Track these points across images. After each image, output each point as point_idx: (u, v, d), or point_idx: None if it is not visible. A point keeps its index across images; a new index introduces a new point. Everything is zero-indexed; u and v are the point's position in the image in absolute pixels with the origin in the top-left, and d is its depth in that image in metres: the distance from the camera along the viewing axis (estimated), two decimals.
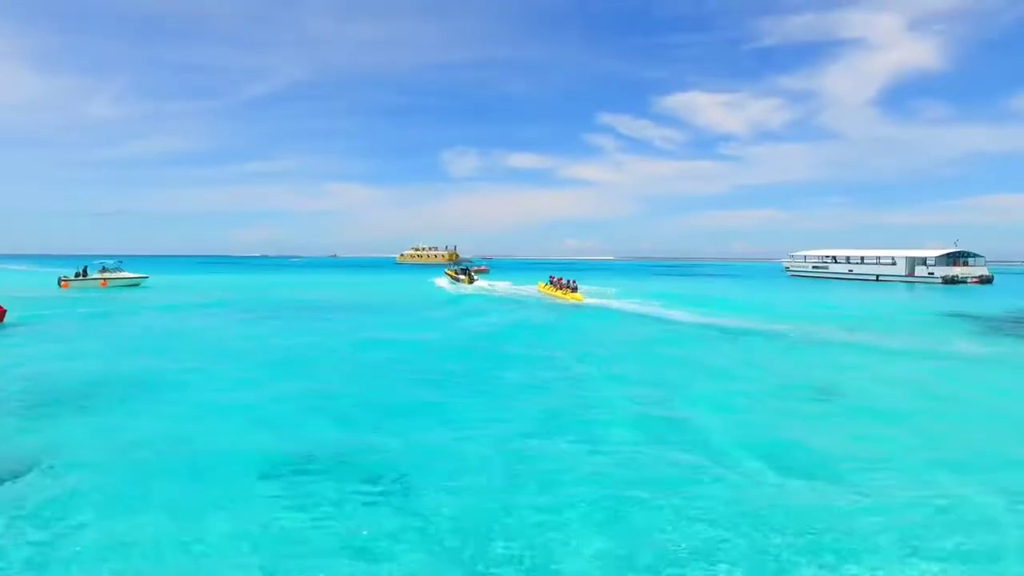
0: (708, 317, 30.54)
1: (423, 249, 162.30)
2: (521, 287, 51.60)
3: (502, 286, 54.23)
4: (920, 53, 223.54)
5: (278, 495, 7.70)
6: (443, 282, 59.02)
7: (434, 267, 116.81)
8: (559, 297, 40.61)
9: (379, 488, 7.97)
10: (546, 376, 15.71)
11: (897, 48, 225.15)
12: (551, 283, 44.47)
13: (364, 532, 6.71)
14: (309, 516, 7.08)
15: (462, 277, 58.05)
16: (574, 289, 40.68)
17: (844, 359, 18.79)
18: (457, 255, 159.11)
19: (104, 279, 47.15)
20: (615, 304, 37.33)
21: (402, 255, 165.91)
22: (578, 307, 35.80)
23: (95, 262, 49.72)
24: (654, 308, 35.01)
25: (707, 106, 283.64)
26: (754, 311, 34.34)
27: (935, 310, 36.26)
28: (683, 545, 6.47)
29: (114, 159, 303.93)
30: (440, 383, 14.76)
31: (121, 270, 48.97)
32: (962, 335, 24.80)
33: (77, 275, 47.60)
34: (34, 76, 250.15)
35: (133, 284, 48.32)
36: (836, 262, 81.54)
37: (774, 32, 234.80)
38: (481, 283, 56.68)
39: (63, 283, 46.76)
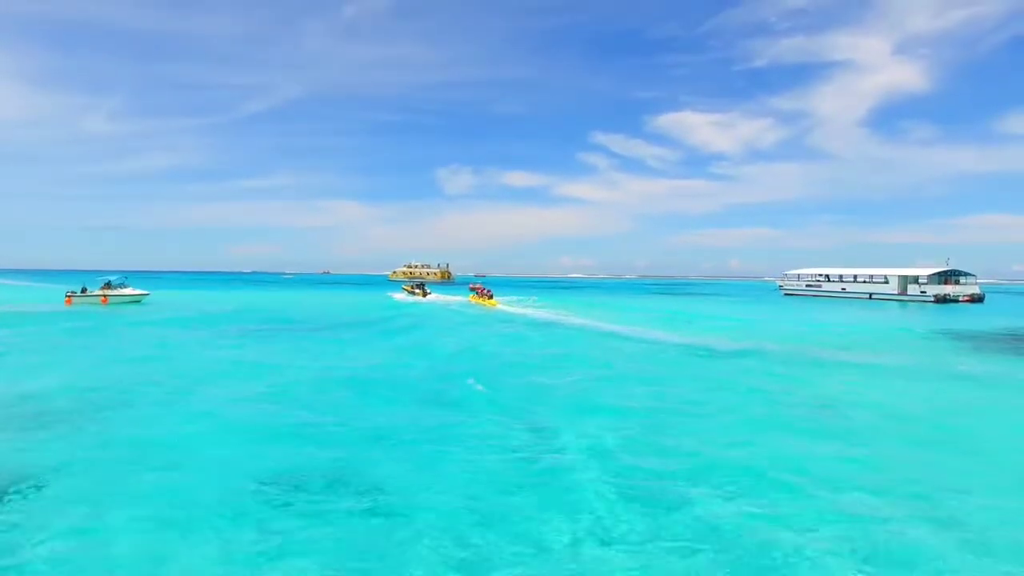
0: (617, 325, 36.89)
1: (415, 266, 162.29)
2: (455, 297, 65.85)
3: (443, 298, 66.71)
4: (907, 76, 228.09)
5: (263, 508, 7.82)
6: (401, 296, 69.21)
7: (427, 285, 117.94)
8: (480, 303, 53.13)
9: (362, 502, 8.11)
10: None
11: (885, 71, 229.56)
12: (475, 292, 57.75)
13: (350, 546, 6.82)
14: (294, 531, 7.14)
15: (417, 291, 69.10)
16: (490, 296, 54.79)
17: (834, 379, 18.72)
18: (449, 273, 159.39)
19: (105, 295, 46.92)
20: (519, 310, 49.56)
21: (394, 272, 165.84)
22: (491, 310, 49.16)
23: (99, 278, 49.68)
24: (551, 313, 46.44)
25: (699, 125, 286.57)
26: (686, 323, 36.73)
27: (929, 328, 36.88)
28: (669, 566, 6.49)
29: (110, 175, 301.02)
30: (388, 388, 16.50)
31: (126, 286, 48.78)
32: (956, 354, 25.23)
33: (84, 291, 47.44)
34: (31, 93, 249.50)
35: (134, 301, 47.99)
36: (829, 280, 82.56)
37: (765, 53, 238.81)
38: (432, 296, 68.38)
39: (68, 299, 46.66)
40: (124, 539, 6.86)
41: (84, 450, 10.21)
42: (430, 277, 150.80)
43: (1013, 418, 14.05)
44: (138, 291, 49.05)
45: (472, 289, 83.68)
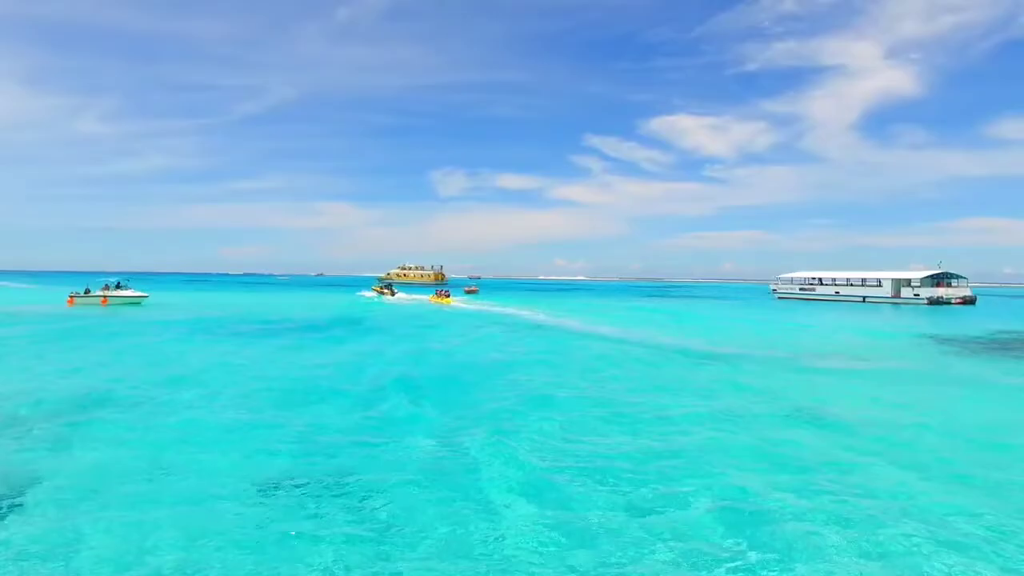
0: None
1: (409, 268, 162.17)
2: (419, 296, 73.14)
3: (408, 297, 74.42)
4: (898, 80, 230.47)
5: (259, 509, 7.92)
6: (371, 295, 77.47)
7: (420, 286, 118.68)
8: (438, 302, 61.80)
9: (361, 503, 8.23)
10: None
11: (876, 75, 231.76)
12: (436, 294, 66.67)
13: (345, 547, 6.88)
14: (289, 536, 7.17)
15: (386, 291, 77.24)
16: (447, 296, 64.70)
17: (821, 382, 18.61)
18: (443, 275, 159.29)
19: (105, 296, 47.02)
20: (470, 306, 58.44)
21: (388, 274, 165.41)
22: (448, 307, 57.38)
23: (100, 279, 50.13)
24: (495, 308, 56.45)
25: (693, 128, 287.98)
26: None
27: (923, 332, 37.31)
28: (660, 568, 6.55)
29: (104, 176, 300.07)
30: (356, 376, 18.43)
31: (128, 287, 48.86)
32: (948, 356, 25.53)
33: (87, 291, 47.84)
34: (24, 94, 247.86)
35: (134, 302, 48.01)
36: (823, 284, 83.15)
37: (758, 57, 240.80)
38: (400, 295, 76.12)
39: (70, 299, 47.10)
40: (120, 540, 6.90)
41: (81, 451, 10.26)
42: (424, 279, 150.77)
43: (1001, 419, 14.11)
44: (138, 293, 49.09)
45: (466, 292, 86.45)
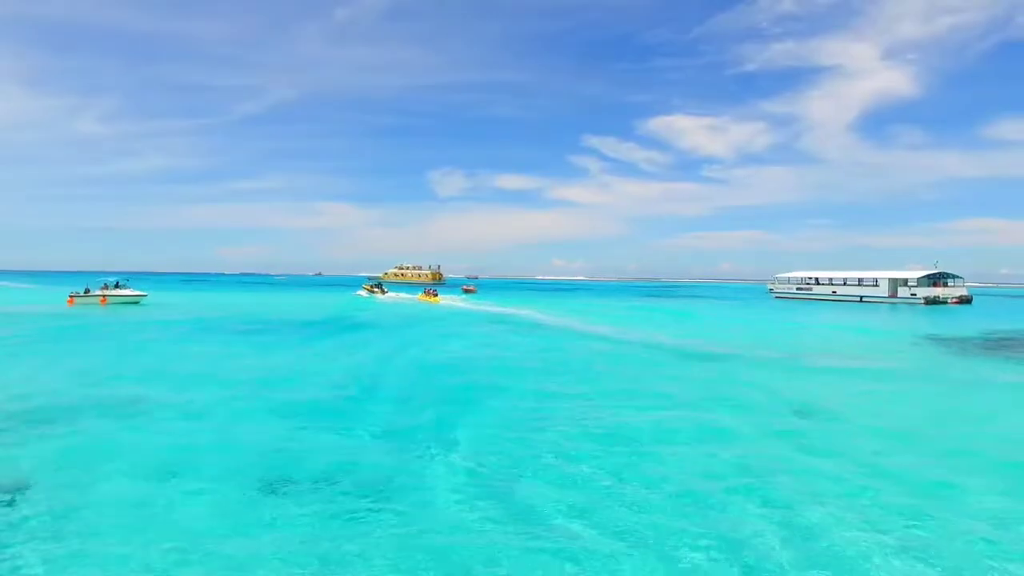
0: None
1: (407, 268, 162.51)
2: (408, 295, 77.30)
3: (396, 296, 78.09)
4: (896, 81, 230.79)
5: (259, 509, 7.99)
6: (363, 294, 79.86)
7: (418, 286, 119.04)
8: (427, 300, 65.56)
9: (360, 501, 8.31)
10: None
11: (874, 76, 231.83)
12: (425, 293, 71.26)
13: (354, 548, 6.92)
14: (288, 531, 7.29)
15: (376, 290, 79.73)
16: (435, 295, 67.89)
17: (814, 382, 18.65)
18: (441, 275, 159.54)
19: (104, 296, 47.09)
20: (467, 305, 61.15)
21: (385, 274, 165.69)
22: (434, 304, 60.72)
23: (99, 279, 50.35)
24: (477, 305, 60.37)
25: (691, 129, 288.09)
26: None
27: (920, 331, 37.48)
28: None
29: (103, 176, 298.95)
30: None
31: (127, 287, 48.95)
32: (944, 356, 25.74)
33: (87, 291, 48.03)
34: (23, 95, 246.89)
35: (133, 302, 48.08)
36: (820, 284, 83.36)
37: (756, 58, 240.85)
38: (390, 295, 79.04)
39: (70, 299, 47.26)
40: (119, 540, 6.95)
41: (80, 451, 10.35)
42: (421, 279, 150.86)
43: (995, 416, 14.26)
44: (136, 292, 49.19)
45: (464, 291, 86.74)
